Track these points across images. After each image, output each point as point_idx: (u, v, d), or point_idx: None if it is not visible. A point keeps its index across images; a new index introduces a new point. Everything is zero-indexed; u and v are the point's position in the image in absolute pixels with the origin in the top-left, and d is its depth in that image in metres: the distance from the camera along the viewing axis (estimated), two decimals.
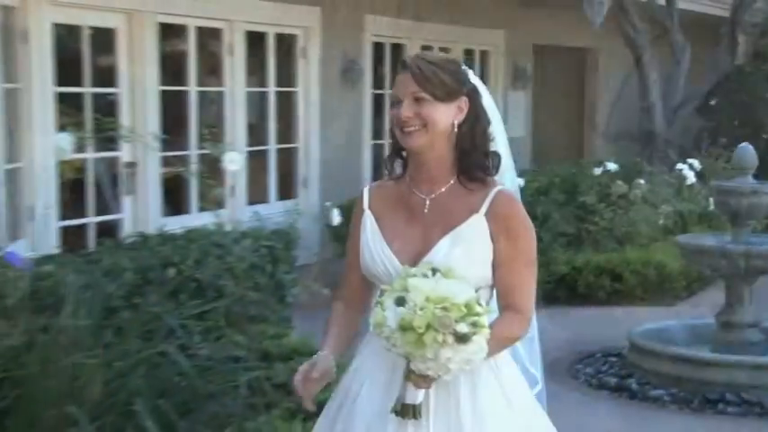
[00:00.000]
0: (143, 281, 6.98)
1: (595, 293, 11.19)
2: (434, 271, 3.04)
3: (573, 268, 11.32)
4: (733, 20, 17.01)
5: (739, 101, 18.79)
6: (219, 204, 9.35)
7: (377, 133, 13.21)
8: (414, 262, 3.16)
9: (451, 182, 3.28)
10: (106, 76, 9.47)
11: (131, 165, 9.37)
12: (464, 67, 3.37)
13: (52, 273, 6.49)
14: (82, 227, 9.16)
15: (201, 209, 9.81)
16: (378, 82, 13.19)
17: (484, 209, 3.22)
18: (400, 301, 2.96)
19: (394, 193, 3.40)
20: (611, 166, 14.24)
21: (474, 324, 2.91)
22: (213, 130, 10.79)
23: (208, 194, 9.42)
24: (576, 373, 8.46)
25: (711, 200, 11.85)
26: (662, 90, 15.92)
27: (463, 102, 3.25)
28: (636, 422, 7.29)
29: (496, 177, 3.36)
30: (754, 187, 8.55)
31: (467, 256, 3.16)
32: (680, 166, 14.84)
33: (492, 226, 3.20)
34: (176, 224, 9.12)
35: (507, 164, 3.49)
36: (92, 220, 9.24)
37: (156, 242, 7.97)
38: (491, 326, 3.07)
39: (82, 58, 9.22)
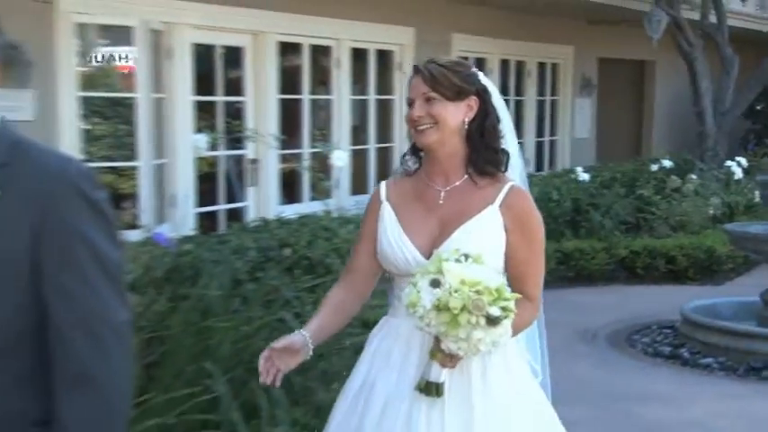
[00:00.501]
0: (264, 258, 7.07)
1: (651, 274, 10.94)
2: (466, 257, 2.79)
3: (631, 252, 11.07)
4: None
5: None
6: (327, 195, 9.41)
7: None
8: (430, 250, 2.95)
9: (465, 176, 3.04)
10: (235, 86, 9.64)
11: (255, 161, 9.54)
12: (474, 69, 3.13)
13: (191, 251, 6.62)
14: (214, 212, 9.34)
15: (312, 198, 9.96)
16: None
17: (498, 201, 2.97)
18: (435, 283, 2.73)
19: (411, 188, 3.12)
20: (667, 163, 14.11)
21: (504, 308, 2.71)
22: (323, 131, 11.00)
23: (318, 186, 9.60)
24: (634, 343, 8.37)
25: (757, 193, 11.77)
26: (713, 96, 15.59)
27: (473, 100, 3.01)
28: (687, 386, 7.18)
29: (507, 174, 3.11)
30: None
31: (480, 245, 2.88)
32: (728, 163, 14.54)
33: (506, 218, 2.96)
34: (291, 211, 9.24)
35: (516, 162, 3.20)
36: (222, 207, 9.43)
37: (275, 226, 8.09)
38: None
39: (215, 71, 9.39)
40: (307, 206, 9.81)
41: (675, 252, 11.10)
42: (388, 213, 3.09)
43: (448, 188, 3.04)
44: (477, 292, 2.67)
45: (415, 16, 11.71)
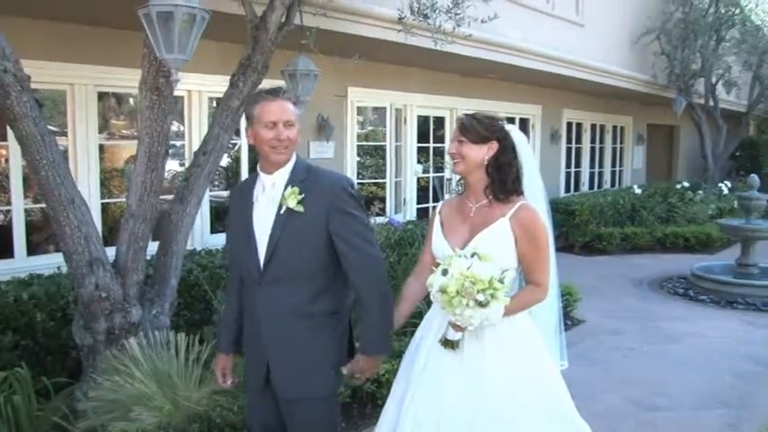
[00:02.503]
0: None
1: (675, 247, 10.37)
2: (474, 254, 2.35)
3: (664, 234, 10.52)
4: (747, 112, 15.97)
5: (751, 153, 17.69)
6: None
7: (568, 165, 12.71)
8: (461, 249, 2.44)
9: (490, 197, 2.52)
10: (439, 138, 9.56)
11: (449, 180, 9.38)
12: (501, 123, 2.56)
13: (411, 229, 6.63)
14: (426, 208, 9.20)
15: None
16: (569, 141, 12.74)
17: (508, 215, 2.44)
18: (444, 272, 2.34)
19: (456, 204, 2.61)
20: (686, 184, 13.47)
21: (492, 295, 2.27)
22: None
23: None
24: (663, 287, 7.98)
25: (735, 202, 11.08)
26: (712, 147, 14.86)
27: (494, 144, 2.50)
28: (692, 312, 6.88)
29: (529, 200, 2.54)
30: (757, 195, 8.07)
31: (492, 247, 2.39)
32: (720, 185, 13.73)
33: (514, 228, 2.43)
34: None
35: (537, 188, 2.61)
36: (431, 204, 9.27)
37: None
38: (517, 294, 2.45)
39: (429, 130, 9.35)
40: None
41: (689, 235, 10.57)
42: (437, 222, 2.61)
43: (477, 205, 2.54)
44: (472, 281, 2.27)
45: (541, 98, 11.41)
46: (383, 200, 8.56)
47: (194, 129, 6.17)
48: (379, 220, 6.59)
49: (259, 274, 2.37)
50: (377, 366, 2.51)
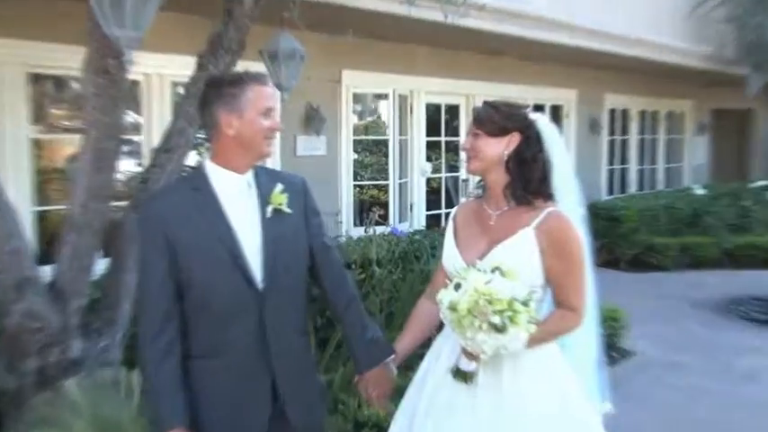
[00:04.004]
0: None
1: (750, 260, 10.26)
2: (495, 269, 2.29)
3: (734, 245, 10.49)
4: None
5: None
6: None
7: (611, 162, 12.74)
8: (475, 263, 2.38)
9: (513, 202, 2.47)
10: (453, 130, 9.61)
11: (465, 180, 9.43)
12: (524, 110, 2.53)
13: (419, 240, 6.58)
14: (438, 215, 9.26)
15: None
16: (611, 132, 12.70)
17: (534, 224, 2.39)
18: (457, 287, 2.29)
19: (473, 209, 2.57)
20: (764, 183, 13.29)
21: (510, 318, 2.20)
22: None
23: None
24: (733, 310, 8.01)
25: None
26: None
27: (515, 136, 2.45)
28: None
29: (561, 204, 2.49)
30: None
31: (514, 261, 2.33)
32: None
33: (540, 239, 2.38)
34: None
35: (570, 190, 2.56)
36: (443, 210, 9.34)
37: None
38: (545, 319, 2.41)
39: (440, 121, 9.38)
40: None
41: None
42: (449, 230, 2.59)
43: (498, 212, 2.49)
44: (488, 300, 2.20)
45: (577, 81, 11.37)
46: (385, 205, 8.57)
47: (154, 120, 6.17)
48: (380, 229, 6.56)
49: (256, 293, 2.39)
50: (392, 377, 2.61)
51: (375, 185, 9.10)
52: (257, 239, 2.41)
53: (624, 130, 13.17)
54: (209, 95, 2.45)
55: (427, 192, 9.15)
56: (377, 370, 2.58)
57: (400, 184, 8.71)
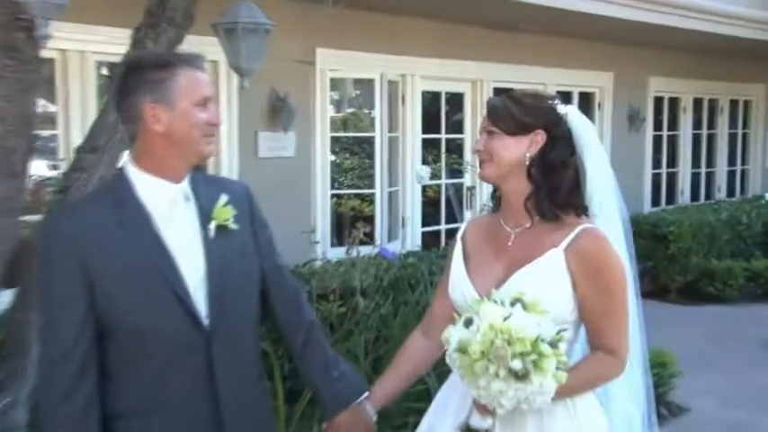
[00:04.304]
0: None
1: None
2: (516, 301, 2.24)
3: None
4: None
5: None
6: None
7: (656, 164, 12.78)
8: (491, 293, 2.34)
9: (538, 217, 2.45)
10: (456, 126, 9.63)
11: (471, 188, 9.47)
12: (551, 101, 2.54)
13: (413, 264, 6.52)
14: (436, 232, 9.28)
15: None
16: (657, 127, 12.74)
17: (564, 244, 2.37)
18: (468, 323, 2.24)
19: (487, 227, 2.57)
20: None
21: (534, 363, 2.14)
22: None
23: None
24: None
25: None
26: None
27: (539, 135, 2.43)
28: None
29: (597, 221, 2.49)
30: None
31: (538, 290, 2.30)
32: None
33: (571, 264, 2.35)
34: None
35: (609, 202, 2.56)
36: (443, 227, 9.35)
37: None
38: (577, 364, 2.40)
39: (440, 114, 9.41)
40: None
41: None
42: (457, 253, 2.58)
43: (518, 230, 2.48)
44: (507, 340, 2.14)
45: (613, 62, 11.43)
46: (370, 220, 8.55)
47: (73, 110, 6.17)
48: (365, 250, 6.56)
49: (201, 332, 2.39)
50: (368, 422, 2.63)
51: (358, 195, 9.10)
52: (200, 265, 2.40)
53: (674, 124, 13.22)
54: (130, 82, 2.41)
55: (423, 203, 9.16)
56: (348, 413, 2.60)
57: (389, 193, 8.71)
